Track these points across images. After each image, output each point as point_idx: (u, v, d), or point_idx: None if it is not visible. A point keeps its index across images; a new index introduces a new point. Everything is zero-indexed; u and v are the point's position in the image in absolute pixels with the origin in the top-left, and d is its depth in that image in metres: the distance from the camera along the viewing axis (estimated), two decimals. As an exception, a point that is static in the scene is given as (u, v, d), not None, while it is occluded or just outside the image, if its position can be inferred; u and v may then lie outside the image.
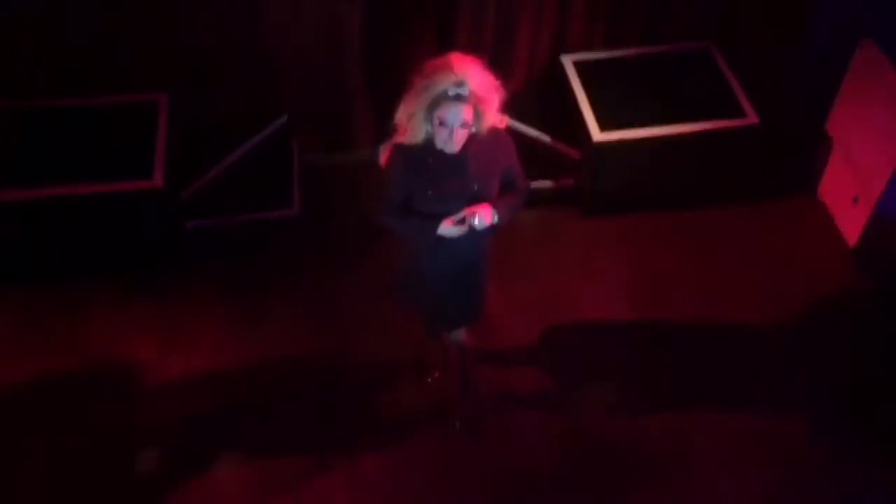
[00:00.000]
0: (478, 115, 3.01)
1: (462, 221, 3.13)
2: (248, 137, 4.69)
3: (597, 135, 4.53)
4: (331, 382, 4.18)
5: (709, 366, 4.33)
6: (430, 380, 4.17)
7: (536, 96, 5.00)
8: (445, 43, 4.69)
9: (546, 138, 4.81)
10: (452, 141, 3.03)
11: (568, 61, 4.86)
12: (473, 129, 3.07)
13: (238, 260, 4.59)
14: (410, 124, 3.03)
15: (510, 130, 3.30)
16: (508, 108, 3.17)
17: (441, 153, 3.10)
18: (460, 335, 3.82)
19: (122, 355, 4.22)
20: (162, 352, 4.24)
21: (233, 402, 4.11)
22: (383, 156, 3.20)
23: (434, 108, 2.97)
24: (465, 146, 3.11)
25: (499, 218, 3.19)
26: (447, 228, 3.17)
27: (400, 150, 3.13)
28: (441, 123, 2.99)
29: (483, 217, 3.14)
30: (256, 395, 4.14)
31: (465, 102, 2.93)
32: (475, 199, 3.20)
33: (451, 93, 2.91)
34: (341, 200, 4.82)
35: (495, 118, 3.08)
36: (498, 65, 4.46)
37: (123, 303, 4.39)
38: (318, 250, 4.65)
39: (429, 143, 3.08)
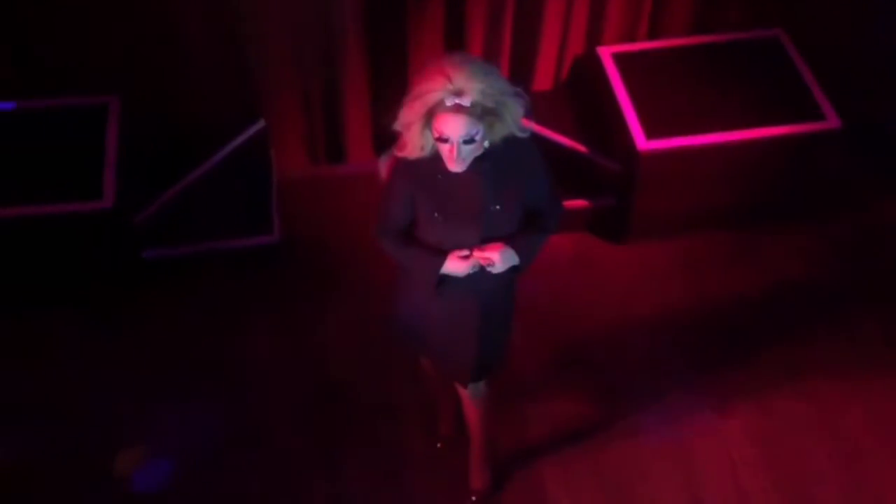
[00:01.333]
0: (487, 127, 2.91)
1: (470, 258, 3.08)
2: (217, 147, 4.58)
3: (642, 143, 4.36)
4: (325, 446, 4.02)
5: (790, 433, 4.03)
6: (440, 445, 3.99)
7: (567, 97, 4.89)
8: (456, 33, 4.58)
9: (580, 148, 4.64)
10: (455, 158, 2.92)
11: (606, 54, 4.68)
12: (486, 143, 2.95)
13: (205, 296, 4.46)
14: (409, 136, 2.94)
15: (535, 139, 3.16)
16: (532, 112, 3.05)
17: (452, 173, 2.99)
18: (478, 390, 3.58)
19: (67, 407, 4.11)
20: (116, 401, 4.13)
21: (197, 463, 3.96)
22: (384, 169, 3.12)
23: (432, 120, 2.88)
24: (481, 160, 2.98)
25: (520, 259, 3.10)
26: (454, 264, 3.07)
27: (402, 164, 3.02)
28: (440, 138, 2.90)
29: (497, 262, 3.06)
30: (227, 459, 3.97)
31: (466, 114, 2.84)
32: (494, 225, 3.06)
33: (448, 103, 2.83)
34: (330, 223, 4.73)
35: (513, 127, 2.96)
36: (519, 60, 4.84)
37: (69, 345, 4.28)
38: (303, 284, 4.52)
39: (437, 157, 2.97)
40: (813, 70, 4.58)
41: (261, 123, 4.60)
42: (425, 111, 2.84)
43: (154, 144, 4.56)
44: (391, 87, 4.57)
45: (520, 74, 4.65)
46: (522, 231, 3.11)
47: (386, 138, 3.09)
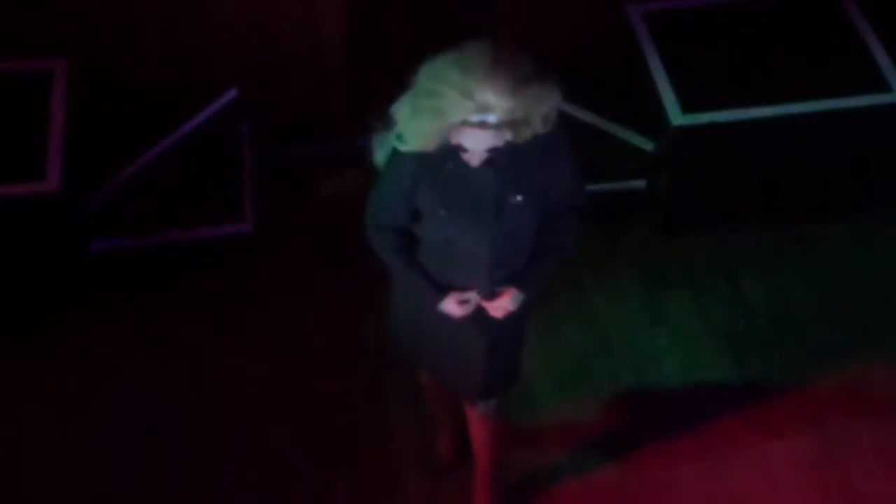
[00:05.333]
0: (515, 132, 2.91)
1: (471, 304, 3.15)
2: (181, 121, 4.58)
3: (678, 117, 4.33)
4: (309, 475, 3.97)
5: (847, 457, 3.98)
6: (442, 468, 3.97)
7: (592, 64, 4.81)
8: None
9: (606, 124, 4.66)
10: (475, 161, 2.94)
11: (636, 13, 4.66)
12: (508, 137, 2.92)
13: (167, 296, 4.45)
14: (415, 136, 2.93)
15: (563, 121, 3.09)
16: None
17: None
18: (488, 408, 3.57)
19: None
20: (58, 423, 4.10)
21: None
22: (380, 151, 3.08)
23: (450, 129, 2.88)
24: (505, 146, 2.95)
25: (528, 298, 3.16)
26: (451, 307, 3.12)
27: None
28: (459, 146, 2.91)
29: (500, 308, 3.16)
30: (190, 496, 3.92)
31: (491, 129, 2.86)
32: (511, 222, 3.04)
33: (472, 119, 2.82)
34: (313, 210, 4.70)
35: (541, 126, 2.94)
36: (537, 22, 4.81)
37: (4, 353, 4.25)
38: (280, 282, 4.50)
39: (447, 143, 2.95)
40: (878, 34, 4.56)
41: (232, 94, 4.60)
42: (445, 126, 2.84)
43: (107, 117, 4.57)
44: (384, 55, 4.62)
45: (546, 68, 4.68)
46: (534, 259, 3.14)
47: (375, 112, 3.02)
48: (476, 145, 2.88)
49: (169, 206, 4.50)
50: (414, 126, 2.91)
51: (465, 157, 2.96)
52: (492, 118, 2.80)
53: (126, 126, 4.60)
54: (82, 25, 4.43)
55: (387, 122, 3.02)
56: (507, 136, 2.89)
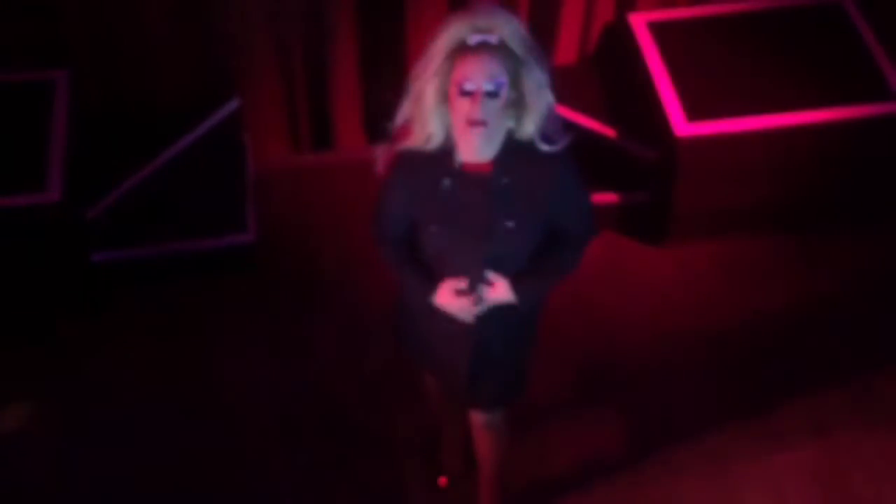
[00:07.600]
0: (516, 84, 2.80)
1: (465, 292, 3.04)
2: (183, 131, 4.56)
3: (681, 127, 4.32)
4: (313, 485, 3.98)
5: (853, 468, 3.93)
6: (442, 482, 3.96)
7: (593, 73, 4.85)
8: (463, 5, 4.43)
9: (608, 133, 4.61)
10: (476, 113, 2.79)
11: (640, 22, 4.64)
12: (510, 124, 2.87)
13: (169, 307, 4.43)
14: (419, 112, 2.87)
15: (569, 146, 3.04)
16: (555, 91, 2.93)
17: (462, 174, 2.91)
18: (491, 419, 3.56)
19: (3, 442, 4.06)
20: (63, 439, 4.06)
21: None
22: (381, 162, 3.06)
23: (451, 73, 2.79)
24: (505, 164, 2.91)
25: (520, 299, 3.05)
26: (446, 299, 3.03)
27: (405, 157, 2.98)
28: (461, 90, 2.78)
29: (492, 297, 3.05)
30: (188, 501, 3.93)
31: (492, 53, 2.78)
32: (504, 245, 3.00)
33: (472, 41, 2.77)
34: (315, 220, 4.70)
35: (539, 125, 2.89)
36: (538, 28, 4.73)
37: (5, 363, 4.23)
38: (284, 292, 4.49)
39: (446, 154, 2.92)
40: (882, 43, 4.53)
41: (234, 104, 4.59)
42: (444, 57, 2.78)
43: (109, 127, 4.55)
44: (386, 59, 4.59)
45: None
46: (535, 266, 3.06)
47: (381, 121, 3.04)
48: (477, 74, 2.79)
49: (170, 217, 4.47)
50: (417, 99, 2.87)
51: (469, 115, 2.83)
52: (492, 38, 2.78)
53: (128, 136, 4.55)
54: (85, 36, 4.39)
55: (390, 130, 3.00)
56: (507, 79, 2.80)
